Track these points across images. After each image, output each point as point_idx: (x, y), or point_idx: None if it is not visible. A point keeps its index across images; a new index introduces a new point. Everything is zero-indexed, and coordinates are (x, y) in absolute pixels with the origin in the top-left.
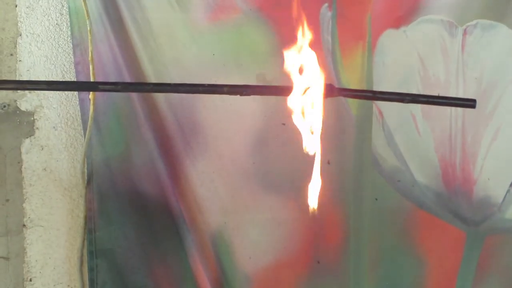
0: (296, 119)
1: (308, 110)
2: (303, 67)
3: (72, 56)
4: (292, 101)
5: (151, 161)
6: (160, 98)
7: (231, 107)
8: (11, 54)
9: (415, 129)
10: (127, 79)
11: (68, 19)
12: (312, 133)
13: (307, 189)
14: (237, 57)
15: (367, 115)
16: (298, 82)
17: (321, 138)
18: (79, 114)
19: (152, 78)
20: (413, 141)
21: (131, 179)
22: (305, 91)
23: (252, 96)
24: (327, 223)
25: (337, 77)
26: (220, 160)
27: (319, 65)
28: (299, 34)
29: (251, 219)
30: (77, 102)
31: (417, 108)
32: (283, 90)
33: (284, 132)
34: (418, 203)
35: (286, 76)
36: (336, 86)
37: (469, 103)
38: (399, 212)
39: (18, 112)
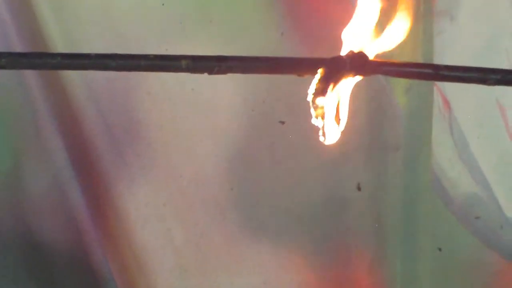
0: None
1: (328, 96)
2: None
3: None
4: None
5: (58, 187)
6: (75, 80)
7: (194, 95)
8: None
9: (505, 131)
10: (17, 47)
11: None
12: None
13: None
14: (203, 8)
15: (424, 108)
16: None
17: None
18: None
19: (60, 45)
20: (502, 151)
21: (22, 218)
22: (323, 68)
23: (230, 77)
24: None
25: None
26: (176, 183)
27: (346, 25)
28: None
29: (231, 285)
30: None
31: (509, 95)
32: (285, 65)
33: (282, 135)
34: (509, 255)
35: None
36: (371, 57)
37: None
38: (477, 269)
39: None
